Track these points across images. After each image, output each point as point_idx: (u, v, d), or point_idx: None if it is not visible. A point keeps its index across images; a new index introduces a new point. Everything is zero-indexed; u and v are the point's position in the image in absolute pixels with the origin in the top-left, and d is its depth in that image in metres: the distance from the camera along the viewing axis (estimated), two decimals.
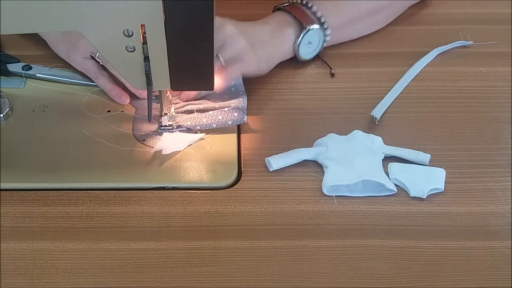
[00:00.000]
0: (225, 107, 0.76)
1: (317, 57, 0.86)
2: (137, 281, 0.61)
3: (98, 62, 0.79)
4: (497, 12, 0.96)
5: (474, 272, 0.63)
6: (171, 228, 0.66)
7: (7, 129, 0.75)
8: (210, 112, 0.76)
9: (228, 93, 0.79)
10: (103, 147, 0.73)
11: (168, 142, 0.73)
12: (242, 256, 0.64)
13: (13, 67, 0.82)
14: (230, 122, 0.75)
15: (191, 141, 0.74)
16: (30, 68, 0.81)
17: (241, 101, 0.77)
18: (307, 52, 0.84)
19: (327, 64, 0.85)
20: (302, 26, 0.81)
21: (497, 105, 0.81)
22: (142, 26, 0.60)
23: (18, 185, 0.69)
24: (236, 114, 0.75)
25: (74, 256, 0.63)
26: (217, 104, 0.77)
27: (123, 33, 0.61)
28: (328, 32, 0.83)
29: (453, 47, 0.89)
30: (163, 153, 0.72)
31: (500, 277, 0.62)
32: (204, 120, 0.75)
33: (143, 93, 0.76)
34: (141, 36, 0.61)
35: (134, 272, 0.62)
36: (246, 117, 0.76)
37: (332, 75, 0.84)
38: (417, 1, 0.95)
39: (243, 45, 0.77)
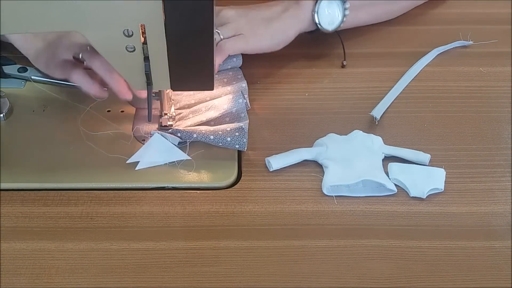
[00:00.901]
0: (227, 127, 0.72)
1: (318, 57, 0.86)
2: (137, 281, 0.61)
3: (82, 62, 0.74)
4: (497, 12, 0.96)
5: (474, 272, 0.63)
6: (171, 228, 0.66)
7: (7, 129, 0.75)
8: (212, 128, 0.73)
9: (227, 78, 0.79)
10: (103, 147, 0.73)
11: (147, 157, 0.71)
12: (242, 256, 0.64)
13: (8, 69, 0.81)
14: (229, 139, 0.71)
15: (174, 159, 0.71)
16: (26, 70, 0.81)
17: (241, 124, 0.73)
18: (327, 22, 0.82)
19: (343, 46, 0.84)
20: None
21: (497, 105, 0.81)
22: (142, 26, 0.60)
23: (18, 185, 0.69)
24: (237, 134, 0.71)
25: (74, 256, 0.63)
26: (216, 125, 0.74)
27: (123, 33, 0.61)
28: (347, 5, 0.81)
29: (453, 47, 0.89)
30: (137, 168, 0.70)
31: (500, 277, 0.62)
32: (212, 137, 0.71)
33: (142, 93, 0.76)
34: (141, 36, 0.61)
35: (134, 272, 0.62)
36: (246, 141, 0.71)
37: (343, 66, 0.84)
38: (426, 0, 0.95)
39: (242, 23, 0.76)
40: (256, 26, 0.78)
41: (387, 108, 0.79)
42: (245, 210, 0.68)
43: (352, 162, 0.71)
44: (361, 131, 0.75)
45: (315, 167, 0.72)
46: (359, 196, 0.69)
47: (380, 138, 0.74)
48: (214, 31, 0.70)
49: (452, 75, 0.85)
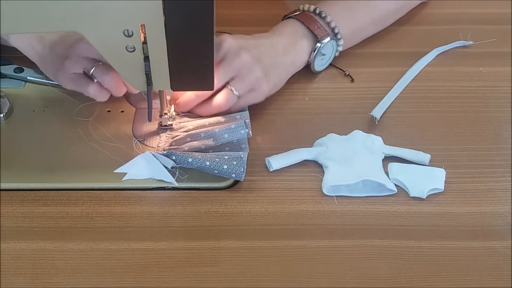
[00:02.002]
0: (225, 155, 0.69)
1: None
2: (137, 281, 0.61)
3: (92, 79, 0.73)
4: (497, 12, 0.96)
5: (474, 272, 0.63)
6: (171, 228, 0.66)
7: (7, 129, 0.75)
8: (209, 154, 0.70)
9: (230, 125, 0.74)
10: (103, 147, 0.73)
11: (134, 170, 0.69)
12: (242, 256, 0.64)
13: (5, 70, 0.81)
14: (225, 167, 0.68)
15: (160, 178, 0.69)
16: (22, 70, 0.81)
17: (241, 153, 0.70)
18: (320, 64, 0.83)
19: (341, 69, 0.84)
20: (316, 39, 0.79)
21: (497, 105, 0.81)
22: (142, 26, 0.60)
23: (18, 185, 0.69)
24: (235, 163, 0.68)
25: (74, 256, 0.63)
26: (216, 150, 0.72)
27: (123, 33, 0.61)
28: (341, 42, 0.82)
29: (453, 47, 0.89)
30: (123, 178, 0.69)
31: (500, 277, 0.62)
32: (208, 163, 0.68)
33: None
34: (141, 36, 0.61)
35: (134, 272, 0.62)
36: (244, 171, 0.68)
37: (348, 75, 0.83)
38: (421, 2, 0.95)
39: (258, 75, 0.74)
40: (268, 76, 0.75)
41: (387, 108, 0.79)
42: (245, 210, 0.68)
43: (352, 162, 0.71)
44: (361, 131, 0.75)
45: (315, 167, 0.72)
46: (359, 196, 0.69)
47: (380, 138, 0.74)
48: (229, 89, 0.73)
49: (452, 75, 0.85)
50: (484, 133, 0.77)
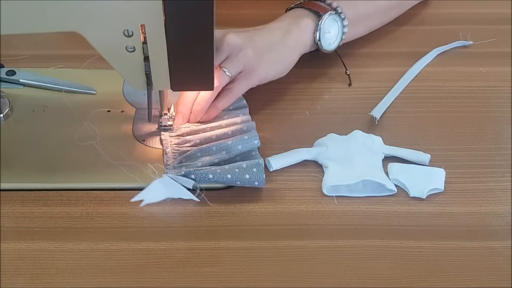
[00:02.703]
0: (242, 164, 0.68)
1: (318, 58, 0.86)
2: (137, 281, 0.61)
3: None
4: (497, 12, 0.96)
5: (474, 272, 0.63)
6: (171, 228, 0.66)
7: (7, 129, 0.75)
8: (226, 166, 0.68)
9: (233, 111, 0.76)
10: (103, 147, 0.73)
11: (154, 195, 0.66)
12: (242, 256, 0.64)
13: None
14: (247, 176, 0.67)
15: (180, 196, 0.67)
16: (14, 73, 0.80)
17: (259, 160, 0.69)
18: (328, 43, 0.81)
19: (343, 64, 0.84)
20: (318, 15, 0.79)
21: (497, 105, 0.81)
22: (142, 26, 0.60)
23: (18, 185, 0.69)
24: (255, 170, 0.67)
25: (74, 256, 0.63)
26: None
27: (123, 33, 0.61)
28: (345, 23, 0.81)
29: (453, 47, 0.89)
30: (141, 205, 0.66)
31: (500, 277, 0.62)
32: (229, 176, 0.67)
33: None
34: (141, 36, 0.61)
35: (134, 272, 0.62)
36: (264, 176, 0.68)
37: (348, 75, 0.83)
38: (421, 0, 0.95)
39: (249, 55, 0.74)
40: (262, 56, 0.75)
41: (387, 108, 0.79)
42: (245, 210, 0.68)
43: (352, 162, 0.71)
44: (361, 131, 0.75)
45: (315, 167, 0.72)
46: (359, 196, 0.69)
47: (380, 138, 0.74)
48: (222, 70, 0.72)
49: (452, 75, 0.85)
50: (484, 133, 0.77)
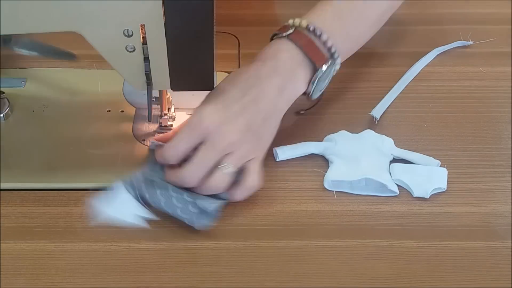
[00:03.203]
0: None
1: None
2: (137, 281, 0.61)
3: None
4: (497, 12, 0.96)
5: (474, 272, 0.63)
6: (171, 228, 0.66)
7: (7, 129, 0.75)
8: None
9: None
10: (103, 147, 0.73)
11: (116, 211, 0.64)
12: (242, 256, 0.64)
13: None
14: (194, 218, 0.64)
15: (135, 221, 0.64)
16: (10, 40, 0.72)
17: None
18: (319, 89, 0.72)
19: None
20: (315, 67, 0.70)
21: (497, 105, 0.81)
22: (142, 26, 0.60)
23: (18, 185, 0.69)
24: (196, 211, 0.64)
25: (74, 256, 0.63)
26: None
27: (123, 33, 0.61)
28: (338, 61, 0.72)
29: (453, 47, 0.89)
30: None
31: (500, 277, 0.62)
32: (179, 212, 0.64)
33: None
34: (141, 36, 0.61)
35: (134, 272, 0.62)
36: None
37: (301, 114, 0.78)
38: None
39: (249, 148, 0.65)
40: (259, 140, 0.67)
41: (387, 108, 0.79)
42: (245, 210, 0.68)
43: (358, 160, 0.71)
44: (373, 131, 0.75)
45: (317, 166, 0.72)
46: (360, 194, 0.69)
47: (391, 140, 0.74)
48: (219, 169, 0.63)
49: (452, 75, 0.85)
50: (484, 133, 0.77)
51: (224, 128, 0.63)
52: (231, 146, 0.64)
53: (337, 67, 0.73)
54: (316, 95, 0.72)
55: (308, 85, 0.71)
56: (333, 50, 0.71)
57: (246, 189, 0.66)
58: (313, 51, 0.70)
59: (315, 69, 0.70)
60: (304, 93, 0.72)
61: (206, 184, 0.64)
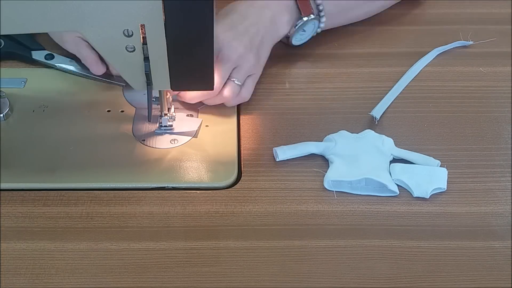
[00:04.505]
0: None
1: (318, 58, 0.86)
2: (137, 281, 0.61)
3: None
4: (497, 12, 0.96)
5: (474, 272, 0.63)
6: (171, 228, 0.66)
7: (7, 129, 0.75)
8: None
9: None
10: (103, 147, 0.73)
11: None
12: (242, 256, 0.64)
13: (36, 55, 0.82)
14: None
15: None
16: (53, 57, 0.82)
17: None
18: (299, 39, 0.84)
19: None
20: (299, 15, 0.81)
21: (497, 105, 0.81)
22: (142, 26, 0.60)
23: (18, 185, 0.69)
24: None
25: (74, 256, 0.63)
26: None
27: (123, 33, 0.61)
28: (323, 20, 0.83)
29: (453, 47, 0.89)
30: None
31: (500, 277, 0.62)
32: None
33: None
34: (141, 36, 0.61)
35: (134, 272, 0.62)
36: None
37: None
38: None
39: (253, 62, 0.76)
40: (259, 59, 0.78)
41: (387, 108, 0.79)
42: (245, 210, 0.68)
43: (358, 160, 0.71)
44: (373, 131, 0.75)
45: (317, 166, 0.72)
46: (360, 194, 0.69)
47: (391, 140, 0.74)
48: (232, 81, 0.75)
49: (452, 75, 0.85)
50: (484, 133, 0.77)
51: (234, 43, 0.75)
52: (239, 59, 0.75)
53: (322, 25, 0.84)
54: (295, 42, 0.84)
55: (290, 29, 0.82)
56: (320, 7, 0.82)
57: (240, 98, 0.77)
58: (303, 2, 0.81)
59: (299, 17, 0.81)
60: (287, 37, 0.83)
61: (221, 93, 0.75)
